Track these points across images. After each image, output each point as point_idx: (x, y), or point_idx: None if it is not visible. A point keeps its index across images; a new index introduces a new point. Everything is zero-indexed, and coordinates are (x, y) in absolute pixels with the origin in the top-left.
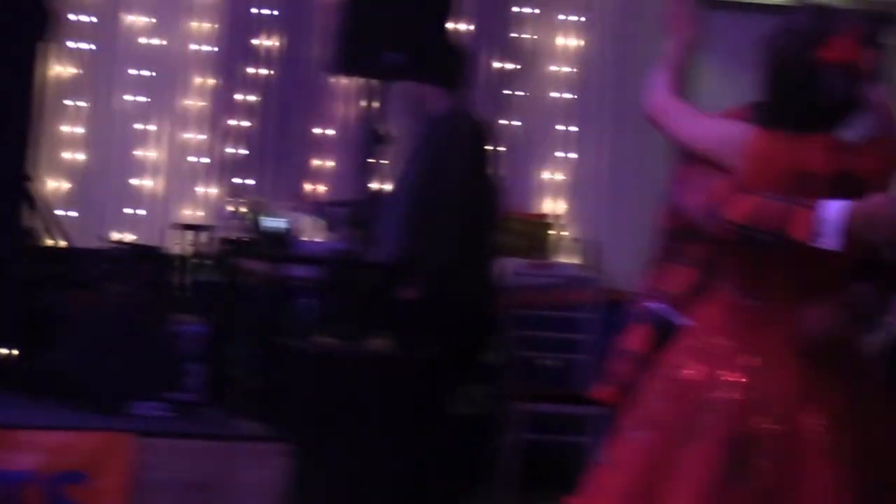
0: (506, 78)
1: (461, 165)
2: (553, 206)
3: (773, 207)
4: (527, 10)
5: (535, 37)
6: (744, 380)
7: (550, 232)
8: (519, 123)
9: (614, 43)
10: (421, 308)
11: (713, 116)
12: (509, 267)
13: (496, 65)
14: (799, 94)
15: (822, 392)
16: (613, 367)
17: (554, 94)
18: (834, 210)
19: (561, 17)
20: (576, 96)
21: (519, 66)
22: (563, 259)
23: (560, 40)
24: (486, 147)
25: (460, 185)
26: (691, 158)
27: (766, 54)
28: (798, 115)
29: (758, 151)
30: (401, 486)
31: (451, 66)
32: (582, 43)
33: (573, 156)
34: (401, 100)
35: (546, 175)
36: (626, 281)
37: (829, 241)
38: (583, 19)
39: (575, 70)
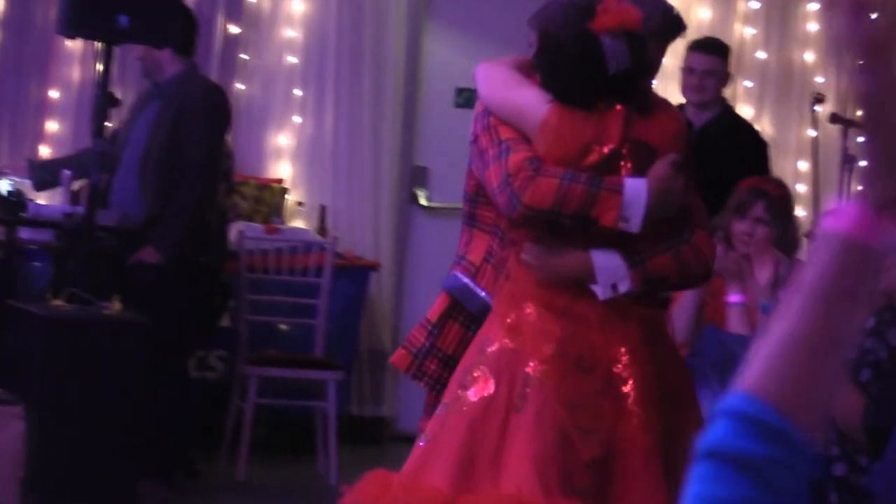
0: (236, 42)
1: (203, 130)
2: (284, 170)
3: (576, 191)
4: None
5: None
6: (556, 347)
7: (284, 197)
8: (247, 88)
9: (340, 8)
10: (156, 272)
11: (528, 85)
12: (243, 231)
13: (225, 28)
14: (582, 69)
15: (629, 345)
16: (413, 333)
17: (283, 58)
18: (636, 192)
19: None
20: (303, 60)
21: (249, 30)
22: (296, 224)
23: (291, 4)
24: (223, 111)
25: (202, 150)
26: (491, 128)
27: (541, 33)
28: (586, 88)
29: (554, 128)
30: (137, 450)
31: (181, 29)
32: (309, 7)
33: (300, 120)
34: (133, 63)
35: (277, 139)
36: (356, 245)
37: (633, 224)
38: None
39: (301, 35)
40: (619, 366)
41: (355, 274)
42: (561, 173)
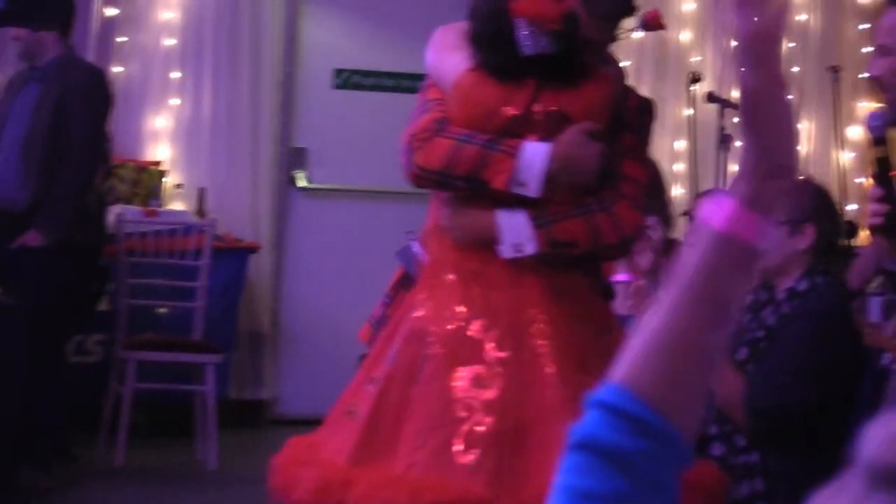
0: (113, 23)
1: (86, 113)
2: (163, 152)
3: (469, 152)
4: None
5: None
6: (466, 311)
7: (162, 179)
8: (124, 70)
9: None
10: (37, 256)
11: (460, 49)
12: (121, 214)
13: (101, 10)
14: (497, 46)
15: (542, 305)
16: (376, 306)
17: (160, 40)
18: (535, 156)
19: None
20: (181, 42)
21: (126, 12)
22: (175, 206)
23: None
24: (106, 94)
25: (86, 133)
26: (426, 89)
27: (470, 6)
28: (499, 65)
29: (464, 90)
30: (14, 436)
31: (59, 11)
32: None
33: (178, 102)
34: (11, 45)
35: (154, 121)
36: (235, 227)
37: (530, 188)
38: None
39: (178, 16)
40: (532, 327)
41: (234, 256)
42: (458, 134)
